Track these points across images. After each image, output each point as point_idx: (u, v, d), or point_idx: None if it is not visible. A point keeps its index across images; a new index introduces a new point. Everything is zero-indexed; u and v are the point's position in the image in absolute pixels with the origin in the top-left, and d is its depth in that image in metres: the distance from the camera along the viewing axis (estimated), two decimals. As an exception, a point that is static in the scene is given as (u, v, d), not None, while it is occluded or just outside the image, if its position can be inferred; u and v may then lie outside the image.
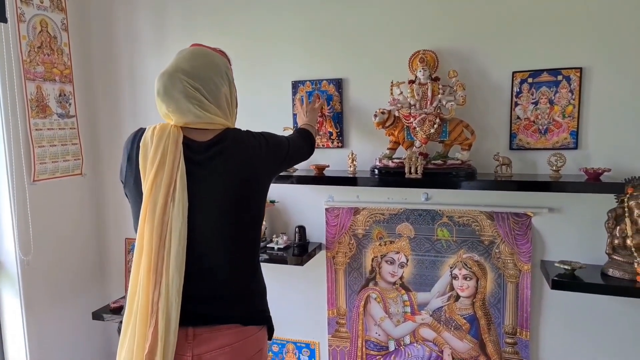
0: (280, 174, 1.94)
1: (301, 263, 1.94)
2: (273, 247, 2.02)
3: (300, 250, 2.00)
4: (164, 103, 1.19)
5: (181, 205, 1.12)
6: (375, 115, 1.81)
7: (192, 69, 1.20)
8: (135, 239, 1.18)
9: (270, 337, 1.34)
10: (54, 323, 2.18)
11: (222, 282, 1.21)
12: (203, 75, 1.21)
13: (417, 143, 1.78)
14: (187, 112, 1.18)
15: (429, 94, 1.76)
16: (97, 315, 2.22)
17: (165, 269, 1.11)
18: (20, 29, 1.94)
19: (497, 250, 1.89)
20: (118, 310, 2.22)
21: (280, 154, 1.40)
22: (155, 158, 1.14)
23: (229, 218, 1.19)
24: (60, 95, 2.16)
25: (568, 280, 1.63)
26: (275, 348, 2.28)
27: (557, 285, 1.63)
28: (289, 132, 1.98)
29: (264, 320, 1.30)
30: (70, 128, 2.22)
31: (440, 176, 1.75)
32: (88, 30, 2.34)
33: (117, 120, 2.37)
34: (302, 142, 1.62)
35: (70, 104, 2.22)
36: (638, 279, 1.57)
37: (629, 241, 1.61)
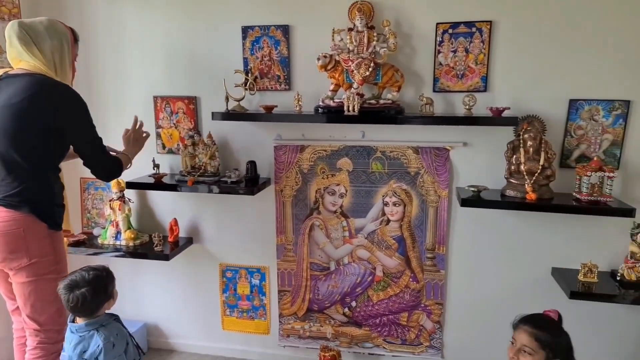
0: (230, 111, 2.15)
1: (252, 193, 2.16)
2: (226, 181, 2.22)
3: (252, 182, 2.22)
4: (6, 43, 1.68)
5: None
6: (318, 59, 2.02)
7: (31, 22, 1.69)
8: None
9: (51, 227, 1.73)
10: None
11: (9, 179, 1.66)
12: (37, 28, 1.67)
13: (355, 84, 2.03)
14: (15, 48, 1.66)
15: (365, 40, 2.00)
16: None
17: None
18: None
19: (421, 180, 2.21)
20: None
21: (81, 121, 1.72)
22: None
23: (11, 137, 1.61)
24: (8, 33, 2.17)
25: (474, 199, 1.99)
26: (229, 274, 2.52)
27: (465, 203, 1.99)
28: (240, 75, 2.16)
29: (28, 209, 1.67)
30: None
31: (374, 114, 2.02)
32: (33, -31, 2.34)
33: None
34: (109, 156, 1.86)
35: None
36: (527, 197, 1.95)
37: (522, 167, 1.97)
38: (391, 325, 2.39)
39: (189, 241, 2.48)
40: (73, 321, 1.67)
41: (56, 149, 1.73)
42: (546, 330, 1.62)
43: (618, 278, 2.00)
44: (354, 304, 2.42)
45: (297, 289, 2.46)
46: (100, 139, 1.80)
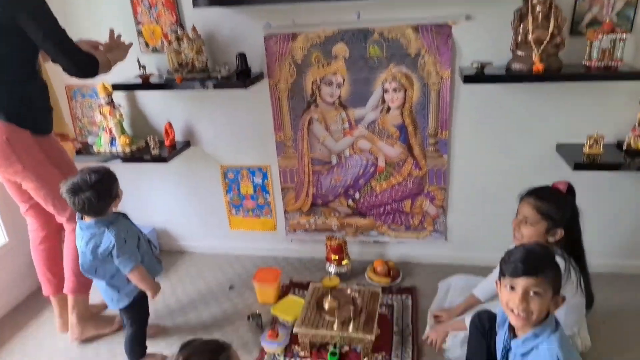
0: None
1: (245, 85, 2.06)
2: (217, 77, 2.11)
3: (244, 76, 2.11)
4: None
5: None
6: None
7: None
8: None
9: (35, 132, 1.71)
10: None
11: None
12: None
13: (346, -45, 1.83)
14: None
15: None
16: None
17: None
18: None
19: (422, 61, 2.09)
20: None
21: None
22: None
23: None
24: None
25: (477, 75, 1.89)
26: (230, 175, 2.51)
27: (468, 79, 1.89)
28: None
29: (4, 117, 1.64)
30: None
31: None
32: None
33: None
34: (77, 49, 1.66)
35: None
36: (534, 69, 1.84)
37: (529, 36, 1.85)
38: (395, 213, 2.42)
39: (187, 144, 2.43)
40: (81, 218, 1.69)
41: (19, 48, 1.62)
42: (548, 202, 1.62)
43: (624, 148, 1.96)
44: (357, 195, 2.43)
45: (300, 185, 2.46)
46: (64, 31, 1.64)
